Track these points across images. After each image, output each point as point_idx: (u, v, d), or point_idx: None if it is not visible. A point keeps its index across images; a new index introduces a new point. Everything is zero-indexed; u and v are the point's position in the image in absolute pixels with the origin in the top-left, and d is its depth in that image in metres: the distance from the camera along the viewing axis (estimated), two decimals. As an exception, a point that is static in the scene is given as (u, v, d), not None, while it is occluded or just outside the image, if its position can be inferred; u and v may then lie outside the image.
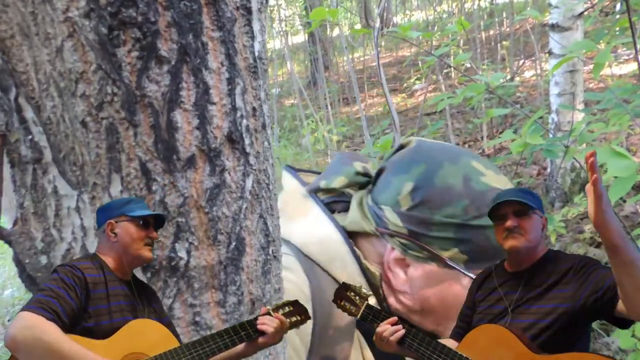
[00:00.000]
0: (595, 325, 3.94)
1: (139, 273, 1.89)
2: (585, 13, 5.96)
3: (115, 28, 1.76)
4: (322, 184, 2.73)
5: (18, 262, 2.06)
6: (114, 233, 1.71)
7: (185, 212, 1.89)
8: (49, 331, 1.47)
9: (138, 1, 1.77)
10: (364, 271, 2.49)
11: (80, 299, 1.58)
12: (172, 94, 1.83)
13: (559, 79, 6.07)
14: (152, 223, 1.74)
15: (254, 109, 2.03)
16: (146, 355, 1.61)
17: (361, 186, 2.73)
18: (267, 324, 1.78)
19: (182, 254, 1.90)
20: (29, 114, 1.95)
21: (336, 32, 13.51)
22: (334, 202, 2.72)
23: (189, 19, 1.83)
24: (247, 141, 1.99)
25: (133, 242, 1.70)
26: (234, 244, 1.98)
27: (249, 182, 2.01)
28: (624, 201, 5.55)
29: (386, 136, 4.63)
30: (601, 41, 5.05)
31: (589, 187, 1.65)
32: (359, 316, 2.07)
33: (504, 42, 11.49)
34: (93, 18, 1.76)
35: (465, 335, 2.03)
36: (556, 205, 6.13)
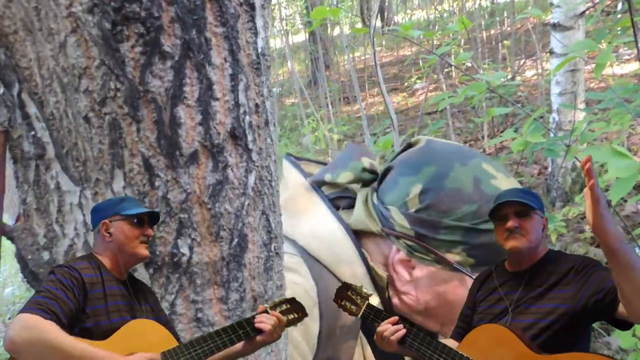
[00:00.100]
0: (595, 324, 3.94)
1: (141, 269, 1.89)
2: (587, 12, 5.96)
3: (119, 23, 1.76)
4: (328, 177, 2.69)
5: (20, 258, 2.06)
6: (109, 233, 1.71)
7: (187, 208, 1.88)
8: (49, 330, 1.46)
9: (141, -3, 1.77)
10: (371, 273, 2.47)
11: (78, 300, 1.58)
12: (175, 89, 1.82)
13: (560, 79, 6.07)
14: (147, 220, 1.73)
15: (256, 105, 2.03)
16: None
17: (365, 183, 2.69)
18: (265, 321, 1.79)
19: (185, 250, 1.90)
20: (32, 109, 1.95)
21: (337, 31, 13.50)
22: (338, 198, 2.68)
23: (193, 14, 1.83)
24: (249, 137, 1.99)
25: (128, 241, 1.70)
26: (236, 240, 1.98)
27: (251, 179, 2.01)
28: (625, 201, 5.55)
29: (386, 136, 4.63)
30: (602, 41, 5.05)
31: (586, 192, 1.65)
32: (359, 316, 2.07)
33: (505, 42, 11.49)
34: (96, 13, 1.75)
35: (465, 335, 2.03)
36: (557, 205, 6.13)
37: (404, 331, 1.97)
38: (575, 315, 1.86)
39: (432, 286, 2.41)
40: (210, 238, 1.92)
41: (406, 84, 12.71)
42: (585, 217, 5.87)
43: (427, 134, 6.99)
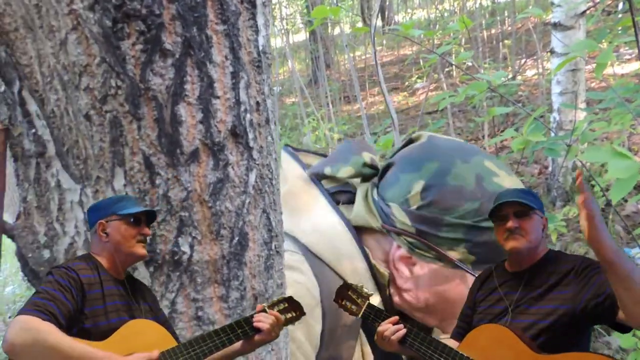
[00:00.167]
0: (596, 324, 3.93)
1: (142, 268, 1.89)
2: (588, 12, 5.96)
3: (120, 21, 1.75)
4: (327, 171, 2.66)
5: (21, 256, 2.06)
6: (105, 233, 1.70)
7: (188, 207, 1.88)
8: (48, 332, 1.46)
9: (142, -6, 1.77)
10: (372, 270, 2.47)
11: (77, 300, 1.57)
12: (176, 87, 1.82)
13: (560, 78, 6.07)
14: (144, 219, 1.72)
15: (257, 103, 2.03)
16: None
17: (365, 177, 2.68)
18: (263, 321, 1.78)
19: (185, 248, 1.89)
20: (32, 107, 1.95)
21: (337, 30, 13.49)
22: (338, 192, 2.67)
23: (194, 12, 1.83)
24: (250, 135, 1.99)
25: (125, 241, 1.69)
26: (237, 238, 1.98)
27: (252, 177, 2.01)
28: (625, 200, 5.55)
29: (387, 135, 4.63)
30: (603, 40, 5.05)
31: (580, 206, 1.65)
32: (360, 315, 2.07)
33: (506, 41, 11.49)
34: (97, 11, 1.75)
35: (465, 335, 2.03)
36: (557, 205, 6.13)
37: (404, 331, 1.97)
38: (575, 316, 1.86)
39: (433, 283, 2.40)
40: (211, 236, 1.92)
41: (407, 83, 12.71)
42: (585, 216, 5.87)
43: (427, 133, 6.97)
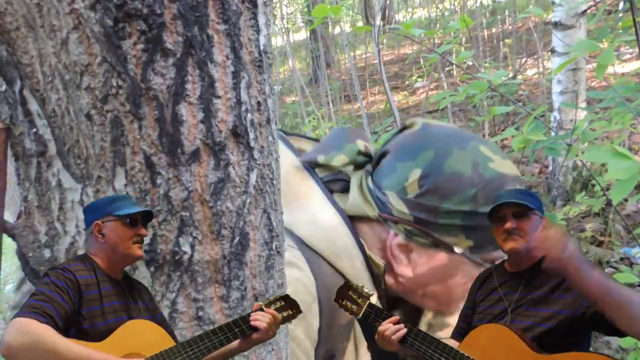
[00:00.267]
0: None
1: (142, 267, 1.89)
2: (588, 11, 5.96)
3: (121, 20, 1.75)
4: (321, 159, 2.64)
5: (21, 255, 2.06)
6: (102, 234, 1.70)
7: (189, 206, 1.88)
8: (45, 334, 1.45)
9: (144, -7, 1.77)
10: (368, 262, 2.47)
11: (74, 302, 1.57)
12: (177, 87, 1.82)
13: (561, 77, 6.07)
14: (140, 219, 1.72)
15: (258, 103, 2.02)
16: (143, 356, 1.60)
17: (359, 165, 2.66)
18: (260, 319, 1.78)
19: (186, 248, 1.89)
20: (33, 106, 1.95)
21: (338, 29, 13.49)
22: (332, 181, 2.65)
23: (195, 11, 1.83)
24: (251, 135, 1.99)
25: (121, 242, 1.69)
26: (237, 238, 1.98)
27: (253, 177, 2.01)
28: (626, 200, 5.56)
29: (388, 134, 4.63)
30: (604, 40, 5.04)
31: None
32: (360, 315, 2.07)
33: (507, 40, 11.49)
34: (98, 10, 1.75)
35: (465, 335, 2.03)
36: (558, 204, 6.13)
37: (404, 330, 1.97)
38: (574, 321, 1.86)
39: (430, 269, 2.41)
40: (212, 236, 1.92)
41: (407, 82, 12.71)
42: (586, 216, 5.89)
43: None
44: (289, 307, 1.91)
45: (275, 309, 1.85)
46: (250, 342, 1.81)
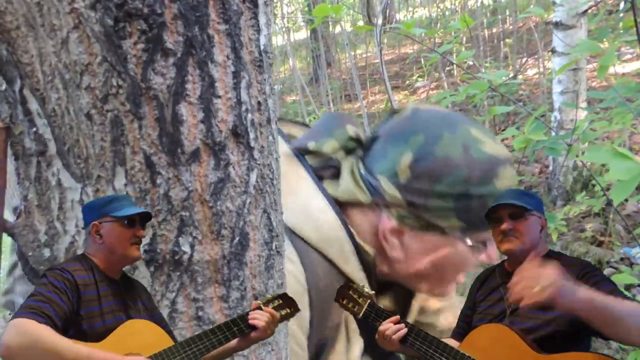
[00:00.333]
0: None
1: (142, 267, 1.89)
2: (589, 11, 5.96)
3: (121, 20, 1.75)
4: (312, 146, 2.63)
5: (21, 254, 2.06)
6: (99, 235, 1.69)
7: (189, 206, 1.88)
8: (44, 334, 1.45)
9: (144, -7, 1.76)
10: (358, 250, 2.46)
11: (72, 302, 1.57)
12: (177, 86, 1.82)
13: (562, 77, 6.07)
14: (138, 220, 1.71)
15: (259, 103, 2.02)
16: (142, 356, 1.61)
17: (349, 151, 2.64)
18: (259, 318, 1.79)
19: (186, 248, 1.89)
20: (33, 106, 1.95)
21: (338, 29, 13.48)
22: (323, 168, 2.62)
23: (195, 11, 1.82)
24: (251, 135, 1.99)
25: (119, 243, 1.69)
26: (237, 238, 1.98)
27: (253, 177, 2.01)
28: (626, 200, 5.55)
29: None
30: (604, 39, 5.04)
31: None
32: (361, 315, 2.07)
33: (507, 40, 11.48)
34: (99, 9, 1.75)
35: (466, 335, 2.03)
36: (558, 204, 6.13)
37: (405, 330, 1.97)
38: (574, 325, 1.86)
39: (423, 252, 2.41)
40: (212, 236, 1.92)
41: (408, 82, 12.70)
42: (586, 216, 5.89)
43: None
44: (287, 306, 1.92)
45: (273, 308, 1.85)
46: (249, 341, 1.81)
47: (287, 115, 12.37)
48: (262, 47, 2.03)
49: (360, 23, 14.62)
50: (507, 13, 12.38)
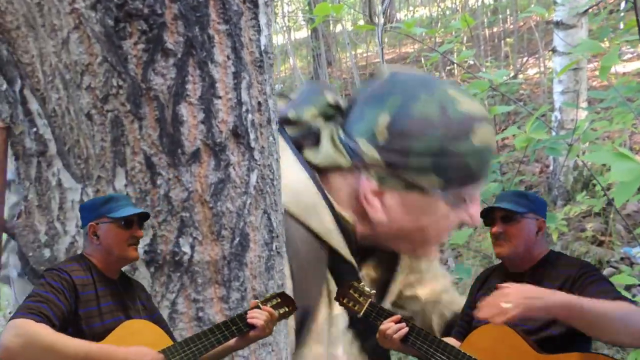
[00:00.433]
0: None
1: (142, 268, 1.89)
2: (590, 11, 5.96)
3: (122, 20, 1.75)
4: (292, 114, 2.59)
5: (21, 255, 2.06)
6: (96, 235, 1.69)
7: (189, 207, 1.88)
8: (41, 333, 1.45)
9: (144, -7, 1.76)
10: (338, 218, 2.47)
11: (70, 302, 1.57)
12: (177, 87, 1.82)
13: (562, 77, 6.08)
14: (136, 220, 1.70)
15: (259, 103, 2.02)
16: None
17: (329, 118, 2.61)
18: (257, 317, 1.78)
19: (186, 248, 1.89)
20: (34, 106, 1.95)
21: (339, 28, 13.49)
22: (303, 137, 2.59)
23: (196, 11, 1.82)
24: (252, 136, 1.99)
25: (116, 244, 1.68)
26: (237, 239, 1.98)
27: (253, 178, 2.01)
28: (626, 200, 5.55)
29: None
30: (605, 39, 5.04)
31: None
32: (362, 314, 2.08)
33: (508, 39, 11.48)
34: (99, 10, 1.74)
35: (466, 334, 2.04)
36: (558, 204, 6.14)
37: (406, 329, 1.97)
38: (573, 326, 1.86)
39: (404, 212, 2.40)
40: (212, 237, 1.92)
41: (408, 81, 12.67)
42: (586, 216, 5.89)
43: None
44: (285, 304, 1.92)
45: (272, 306, 1.85)
46: (248, 340, 1.81)
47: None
48: (262, 48, 2.03)
49: (361, 22, 14.63)
50: (508, 12, 12.39)
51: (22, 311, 1.49)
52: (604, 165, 5.75)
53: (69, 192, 1.94)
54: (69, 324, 1.56)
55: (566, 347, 1.89)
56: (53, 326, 1.49)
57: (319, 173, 2.48)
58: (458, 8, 13.56)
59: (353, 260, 2.41)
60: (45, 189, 1.98)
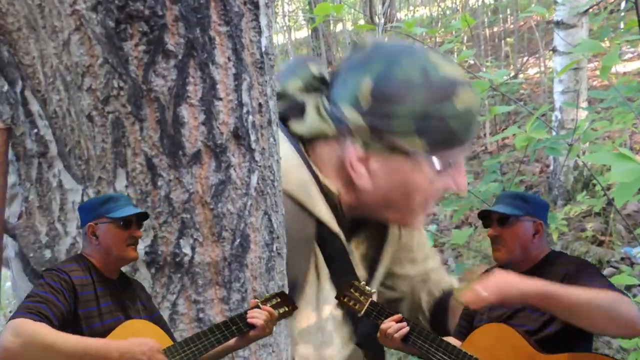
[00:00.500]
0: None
1: (143, 269, 1.89)
2: (590, 10, 5.96)
3: (123, 21, 1.75)
4: (276, 87, 2.66)
5: (22, 256, 2.06)
6: (95, 236, 1.69)
7: (190, 208, 1.88)
8: (40, 331, 1.45)
9: (145, -5, 1.76)
10: (323, 190, 2.47)
11: (69, 302, 1.57)
12: (178, 88, 1.82)
13: (562, 77, 6.08)
14: (135, 220, 1.70)
15: (260, 105, 2.02)
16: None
17: (313, 89, 2.61)
18: (257, 316, 1.79)
19: (187, 250, 1.89)
20: (34, 107, 1.95)
21: (339, 27, 13.48)
22: (289, 109, 2.59)
23: (197, 13, 1.82)
24: (252, 137, 1.99)
25: (115, 245, 1.68)
26: (238, 240, 1.98)
27: (254, 179, 2.01)
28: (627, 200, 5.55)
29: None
30: (606, 39, 5.04)
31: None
32: (362, 313, 2.08)
33: (508, 39, 11.48)
34: (100, 11, 1.75)
35: (467, 333, 2.04)
36: (559, 203, 6.14)
37: (407, 329, 1.98)
38: (572, 325, 1.87)
39: (389, 176, 2.42)
40: (212, 238, 1.92)
41: (408, 80, 12.66)
42: (587, 215, 5.89)
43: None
44: (285, 304, 1.92)
45: (272, 306, 1.86)
46: (248, 340, 1.82)
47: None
48: (263, 49, 2.03)
49: (362, 22, 14.62)
50: (508, 12, 12.38)
51: (21, 311, 1.49)
52: (604, 165, 5.75)
53: (69, 193, 1.94)
54: (69, 324, 1.56)
55: (567, 347, 1.89)
56: (52, 325, 1.49)
57: (305, 144, 2.50)
58: (458, 8, 13.55)
59: (340, 232, 2.42)
60: (46, 190, 1.98)
